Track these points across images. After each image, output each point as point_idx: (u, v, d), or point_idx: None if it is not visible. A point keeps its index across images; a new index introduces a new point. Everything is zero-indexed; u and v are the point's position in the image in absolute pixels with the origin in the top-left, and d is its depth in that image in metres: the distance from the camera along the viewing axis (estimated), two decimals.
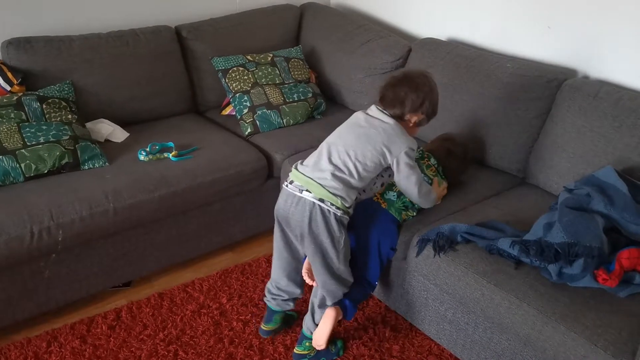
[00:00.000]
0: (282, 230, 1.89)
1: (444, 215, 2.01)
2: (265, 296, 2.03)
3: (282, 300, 1.99)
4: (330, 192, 1.74)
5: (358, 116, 1.88)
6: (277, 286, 1.99)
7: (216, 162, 2.31)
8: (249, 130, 2.58)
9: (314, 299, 1.92)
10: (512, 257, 1.73)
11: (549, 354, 1.57)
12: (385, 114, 1.83)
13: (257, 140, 2.55)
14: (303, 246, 1.85)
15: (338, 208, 1.75)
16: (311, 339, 1.91)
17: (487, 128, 2.30)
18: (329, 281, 1.84)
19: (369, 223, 1.94)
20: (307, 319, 1.93)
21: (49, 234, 1.92)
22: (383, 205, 1.97)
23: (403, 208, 1.98)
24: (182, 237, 2.33)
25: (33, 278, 1.99)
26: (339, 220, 1.77)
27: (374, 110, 1.86)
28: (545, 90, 2.17)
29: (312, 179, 1.76)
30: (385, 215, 1.96)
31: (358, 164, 1.77)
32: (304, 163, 1.84)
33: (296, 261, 1.94)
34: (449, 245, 1.84)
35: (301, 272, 1.97)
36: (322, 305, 1.89)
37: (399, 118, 1.83)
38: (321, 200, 1.74)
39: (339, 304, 1.89)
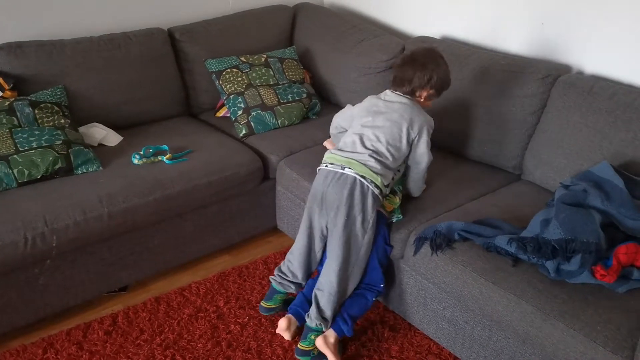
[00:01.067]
0: (311, 219, 1.97)
1: (441, 213, 2.00)
2: (273, 275, 2.09)
3: (287, 280, 2.05)
4: (372, 170, 1.86)
5: (376, 103, 1.99)
6: (289, 266, 2.05)
7: (211, 164, 2.30)
8: (243, 131, 2.57)
9: (318, 291, 1.93)
10: (510, 254, 1.72)
11: (548, 351, 1.56)
12: (400, 95, 1.97)
13: (252, 142, 2.53)
14: (335, 224, 1.88)
15: (376, 186, 1.86)
16: (316, 331, 1.91)
17: (482, 125, 2.30)
18: (340, 274, 1.89)
19: None
20: (313, 312, 1.93)
21: (43, 240, 1.90)
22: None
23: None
24: (178, 241, 2.32)
25: (28, 284, 1.97)
26: (375, 198, 1.87)
27: (389, 94, 2.00)
28: (540, 86, 2.17)
29: (353, 158, 1.89)
30: None
31: (390, 147, 1.91)
32: (339, 147, 1.96)
33: (313, 252, 2.02)
34: (446, 243, 1.83)
35: (313, 264, 2.04)
36: (317, 301, 1.92)
37: (410, 95, 1.97)
38: (363, 177, 1.85)
39: (333, 327, 1.92)
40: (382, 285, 1.98)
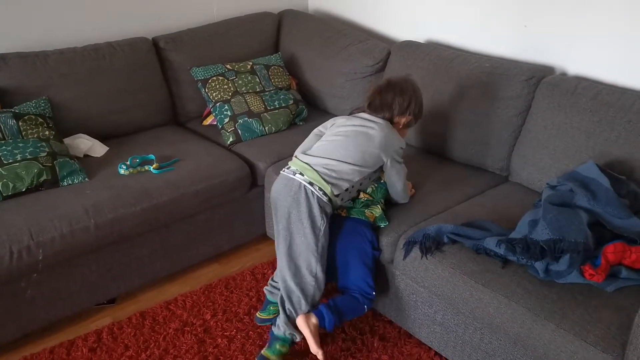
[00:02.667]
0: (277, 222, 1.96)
1: (430, 216, 2.01)
2: (267, 285, 2.10)
3: (278, 289, 1.98)
4: (323, 178, 1.85)
5: (351, 119, 1.99)
6: (274, 278, 2.06)
7: (198, 172, 2.28)
8: (230, 139, 2.56)
9: (283, 296, 1.90)
10: (499, 256, 1.73)
11: (540, 352, 1.57)
12: (373, 119, 1.96)
13: (239, 149, 2.53)
14: (288, 231, 1.88)
15: (324, 194, 1.84)
16: (283, 341, 1.87)
17: (468, 128, 2.31)
18: (297, 273, 1.87)
19: (337, 236, 1.95)
20: (281, 319, 1.88)
21: (28, 253, 1.88)
22: (343, 214, 2.00)
23: (364, 207, 1.98)
24: (167, 251, 2.30)
25: (14, 299, 1.94)
26: (322, 205, 1.85)
27: (366, 115, 1.99)
28: (524, 88, 2.18)
29: (308, 164, 1.88)
30: (350, 222, 1.97)
31: (352, 162, 1.89)
32: (306, 152, 1.96)
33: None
34: (435, 246, 1.83)
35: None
36: (284, 306, 1.88)
37: (388, 121, 1.97)
38: (310, 183, 1.84)
39: (314, 312, 1.86)
40: (373, 293, 1.94)
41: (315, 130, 2.10)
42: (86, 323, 2.15)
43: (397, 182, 2.00)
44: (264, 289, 2.10)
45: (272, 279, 2.08)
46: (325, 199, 1.85)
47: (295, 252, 1.88)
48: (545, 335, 1.54)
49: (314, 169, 1.86)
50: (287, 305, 1.88)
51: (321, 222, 1.86)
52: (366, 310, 1.93)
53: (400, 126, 2.01)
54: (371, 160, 1.92)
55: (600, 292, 1.60)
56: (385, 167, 1.96)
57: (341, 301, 1.90)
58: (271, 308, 2.07)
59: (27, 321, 2.01)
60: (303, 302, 1.87)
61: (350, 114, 2.06)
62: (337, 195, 1.87)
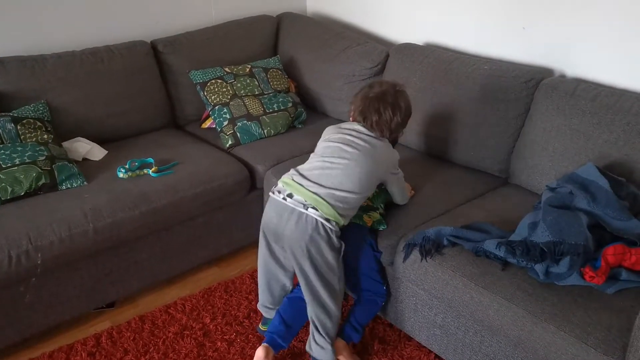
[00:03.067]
0: (269, 246, 1.88)
1: (429, 219, 2.00)
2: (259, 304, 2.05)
3: (271, 309, 2.00)
4: (338, 212, 1.75)
5: (348, 139, 1.84)
6: (265, 305, 2.00)
7: (197, 176, 2.28)
8: (229, 142, 2.56)
9: (317, 319, 1.86)
10: (499, 258, 1.72)
11: (540, 354, 1.56)
12: (372, 136, 1.86)
13: (238, 152, 2.52)
14: (297, 265, 1.80)
15: (337, 224, 1.77)
16: None
17: (467, 130, 2.30)
18: (327, 303, 1.83)
19: None
20: (319, 339, 1.86)
21: (27, 257, 1.87)
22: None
23: (362, 212, 1.96)
24: (166, 254, 2.29)
25: (13, 303, 1.94)
26: (336, 233, 1.79)
27: (364, 132, 1.87)
28: (523, 90, 2.18)
29: (319, 194, 1.74)
30: (350, 227, 1.87)
31: (363, 195, 1.82)
32: (305, 175, 1.80)
33: (284, 273, 1.93)
34: (435, 249, 1.83)
35: (288, 284, 1.96)
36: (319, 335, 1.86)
37: (382, 136, 1.89)
38: (327, 219, 1.74)
39: (340, 336, 1.91)
40: (384, 288, 1.98)
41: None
42: (85, 327, 2.15)
43: (397, 192, 2.01)
44: (258, 308, 2.05)
45: (263, 304, 2.02)
46: (336, 228, 1.78)
47: (331, 280, 1.82)
48: (546, 337, 1.53)
49: (329, 203, 1.74)
50: (319, 338, 1.85)
51: (339, 246, 1.81)
52: (381, 304, 1.99)
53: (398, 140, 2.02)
54: (376, 183, 1.90)
55: (601, 294, 1.60)
56: (386, 183, 1.97)
57: (360, 314, 1.95)
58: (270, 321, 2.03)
59: (26, 326, 2.00)
60: (331, 329, 1.87)
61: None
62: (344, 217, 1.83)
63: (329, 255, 1.78)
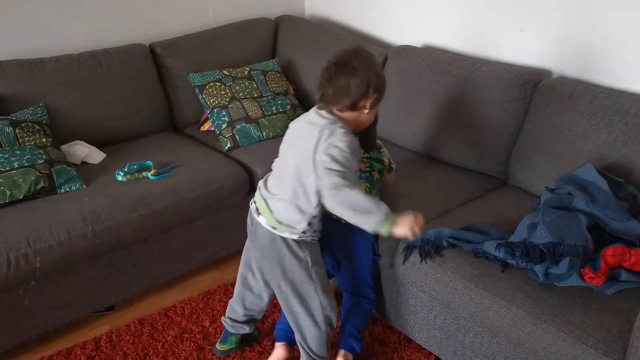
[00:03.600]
0: (248, 259, 1.87)
1: (429, 220, 1.99)
2: (223, 317, 1.98)
3: (239, 322, 1.94)
4: (278, 221, 1.64)
5: (295, 125, 1.72)
6: (232, 318, 1.95)
7: (196, 178, 2.28)
8: (228, 145, 2.56)
9: (302, 341, 1.77)
10: (499, 259, 1.72)
11: (540, 355, 1.56)
12: (321, 115, 1.62)
13: (237, 155, 2.52)
14: (273, 278, 1.74)
15: (295, 233, 1.64)
16: None
17: (466, 132, 2.31)
18: (307, 321, 1.73)
19: (339, 242, 1.89)
20: None
21: (26, 261, 1.87)
22: (342, 221, 1.73)
23: None
24: (165, 257, 2.29)
25: (12, 307, 1.93)
26: (300, 242, 1.67)
27: (311, 115, 1.67)
28: (522, 91, 2.18)
29: (267, 202, 1.66)
30: (350, 228, 1.69)
31: (299, 187, 1.60)
32: (268, 181, 1.72)
33: (251, 292, 1.88)
34: (435, 250, 1.82)
35: (264, 299, 1.89)
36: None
37: (351, 109, 1.60)
38: (273, 227, 1.65)
39: (344, 347, 1.88)
40: (374, 295, 1.96)
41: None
42: (84, 331, 2.14)
43: (340, 203, 1.54)
44: (222, 321, 1.97)
45: (229, 317, 1.95)
46: (295, 237, 1.64)
47: (304, 293, 1.73)
48: (546, 338, 1.53)
49: (271, 210, 1.65)
50: (314, 347, 1.77)
51: (305, 255, 1.67)
52: (372, 311, 1.97)
53: (367, 110, 1.63)
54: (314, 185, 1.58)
55: (600, 295, 1.60)
56: (317, 186, 1.57)
57: (356, 321, 1.92)
58: (232, 339, 1.98)
59: (25, 329, 2.00)
60: (316, 346, 1.77)
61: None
62: (310, 224, 1.64)
63: (296, 267, 1.68)
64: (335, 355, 1.87)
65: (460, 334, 1.82)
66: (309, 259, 1.69)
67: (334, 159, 1.53)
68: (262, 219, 1.68)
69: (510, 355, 1.68)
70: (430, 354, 1.99)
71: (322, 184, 1.54)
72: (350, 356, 1.88)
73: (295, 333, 1.80)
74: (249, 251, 1.87)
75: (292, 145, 1.69)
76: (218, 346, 1.99)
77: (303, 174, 1.59)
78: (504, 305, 1.63)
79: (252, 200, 1.76)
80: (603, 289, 1.60)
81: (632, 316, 1.49)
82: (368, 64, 1.61)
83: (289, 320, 1.79)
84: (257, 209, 1.71)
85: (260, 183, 1.75)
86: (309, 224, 1.64)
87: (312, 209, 1.61)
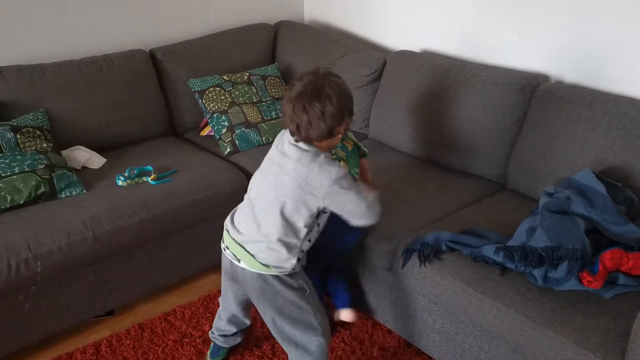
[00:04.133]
0: (228, 289, 1.80)
1: (427, 224, 2.01)
2: (212, 332, 1.95)
3: (229, 336, 1.92)
4: (264, 265, 1.57)
5: (271, 160, 1.64)
6: (220, 325, 1.92)
7: (196, 183, 2.29)
8: (228, 149, 2.57)
9: None
10: (497, 263, 1.73)
11: (539, 359, 1.56)
12: (300, 148, 1.56)
13: (237, 160, 2.53)
14: (265, 316, 1.68)
15: (284, 269, 1.59)
16: None
17: (465, 136, 2.32)
18: (309, 343, 1.67)
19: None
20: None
21: (27, 266, 1.87)
22: None
23: None
24: (165, 261, 2.29)
25: (12, 312, 1.93)
26: (291, 274, 1.62)
27: (286, 147, 1.58)
28: (520, 96, 2.19)
29: (245, 248, 1.59)
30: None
31: (287, 224, 1.56)
32: (235, 222, 1.65)
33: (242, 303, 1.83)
34: (434, 254, 1.83)
35: (245, 310, 1.85)
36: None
37: (328, 136, 1.57)
38: (261, 271, 1.59)
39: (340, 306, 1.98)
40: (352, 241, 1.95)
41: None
42: (84, 335, 2.14)
43: (354, 214, 1.58)
44: (211, 337, 1.95)
45: (217, 329, 1.92)
46: (287, 271, 1.59)
47: (302, 320, 1.66)
48: (545, 342, 1.54)
49: (253, 256, 1.58)
50: None
51: (298, 285, 1.62)
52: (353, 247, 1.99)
53: (342, 134, 1.61)
54: (303, 217, 1.56)
55: (599, 298, 1.60)
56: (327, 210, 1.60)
57: (337, 281, 2.01)
58: (224, 351, 1.98)
59: (25, 334, 2.00)
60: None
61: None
62: (301, 251, 1.61)
63: (293, 298, 1.62)
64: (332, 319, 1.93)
65: (459, 337, 1.83)
66: (304, 286, 1.64)
67: (343, 187, 1.52)
68: (244, 265, 1.60)
69: (510, 359, 1.68)
70: (430, 358, 2.00)
71: (348, 210, 1.56)
72: (349, 310, 1.97)
73: (298, 357, 1.70)
74: (229, 286, 1.78)
75: (270, 181, 1.60)
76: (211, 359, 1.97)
77: (292, 211, 1.54)
78: (502, 309, 1.63)
79: (222, 243, 1.67)
80: (601, 293, 1.60)
81: (630, 319, 1.50)
82: (339, 87, 1.57)
83: (286, 346, 1.70)
84: (234, 255, 1.62)
85: (228, 225, 1.66)
86: (298, 259, 1.60)
87: (300, 243, 1.59)
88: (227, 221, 1.69)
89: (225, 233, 1.68)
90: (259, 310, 1.70)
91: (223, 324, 1.91)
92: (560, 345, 1.51)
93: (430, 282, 1.81)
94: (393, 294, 2.00)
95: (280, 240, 1.56)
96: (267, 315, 1.67)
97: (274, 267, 1.58)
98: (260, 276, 1.60)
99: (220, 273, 2.45)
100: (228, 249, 1.65)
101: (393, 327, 2.08)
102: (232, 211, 1.72)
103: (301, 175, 1.53)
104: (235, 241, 1.62)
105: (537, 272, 1.64)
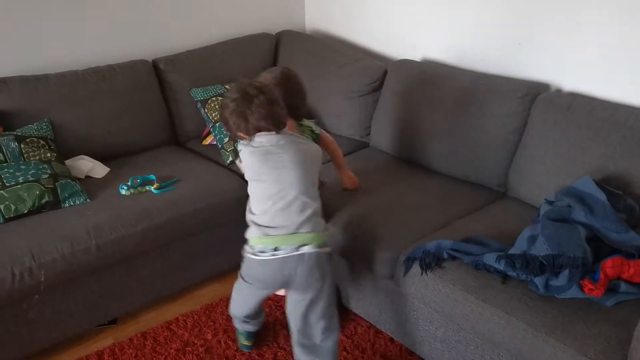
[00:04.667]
0: (260, 295, 1.93)
1: (429, 232, 2.01)
2: (237, 329, 2.08)
3: (255, 320, 2.05)
4: (322, 232, 1.75)
5: (271, 153, 1.74)
6: (246, 316, 2.03)
7: (198, 192, 2.30)
8: (230, 158, 2.58)
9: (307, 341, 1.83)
10: (499, 271, 1.73)
11: None
12: (274, 134, 1.73)
13: (239, 169, 2.54)
14: (309, 296, 1.77)
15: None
16: None
17: (465, 144, 2.33)
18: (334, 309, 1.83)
19: None
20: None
21: (30, 275, 1.88)
22: None
23: None
24: (167, 270, 2.30)
25: (16, 321, 1.95)
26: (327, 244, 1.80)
27: (281, 138, 1.74)
28: (520, 105, 2.21)
29: (302, 232, 1.71)
30: None
31: (311, 191, 1.75)
32: (271, 225, 1.73)
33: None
34: (435, 262, 1.84)
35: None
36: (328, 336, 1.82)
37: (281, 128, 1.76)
38: (321, 245, 1.74)
39: None
40: None
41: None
42: (87, 344, 2.15)
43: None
44: (236, 324, 2.07)
45: (241, 320, 2.04)
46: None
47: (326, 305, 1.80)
48: (547, 350, 1.54)
49: (314, 232, 1.74)
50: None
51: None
52: None
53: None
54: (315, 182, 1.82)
55: (600, 306, 1.61)
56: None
57: None
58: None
59: (28, 343, 2.01)
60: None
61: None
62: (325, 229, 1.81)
63: (330, 277, 1.79)
64: None
65: (461, 346, 1.83)
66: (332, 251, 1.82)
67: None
68: (308, 248, 1.70)
69: None
70: None
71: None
72: None
73: (331, 340, 1.81)
74: (263, 294, 1.93)
75: (284, 169, 1.72)
76: (244, 341, 2.07)
77: (311, 175, 1.76)
78: (504, 317, 1.64)
79: (261, 255, 1.73)
80: (603, 301, 1.61)
81: (631, 327, 1.50)
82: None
83: (323, 327, 1.79)
84: (295, 246, 1.70)
85: (265, 232, 1.73)
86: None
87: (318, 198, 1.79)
88: (261, 231, 1.74)
89: (266, 239, 1.72)
90: (305, 297, 1.76)
91: (243, 318, 2.03)
92: (562, 353, 1.51)
93: (432, 290, 1.82)
94: (394, 303, 2.01)
95: (311, 207, 1.73)
96: (323, 296, 1.76)
97: (323, 230, 1.77)
98: (318, 255, 1.72)
99: (222, 282, 2.49)
100: (278, 249, 1.70)
101: (395, 335, 2.08)
102: (252, 226, 1.78)
103: (302, 149, 1.78)
104: (283, 237, 1.71)
105: (539, 280, 1.64)
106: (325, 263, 1.76)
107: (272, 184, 1.73)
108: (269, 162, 1.73)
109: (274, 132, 1.73)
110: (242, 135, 1.76)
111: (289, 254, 1.70)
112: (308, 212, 1.72)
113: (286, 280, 1.74)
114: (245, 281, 1.85)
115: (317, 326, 1.80)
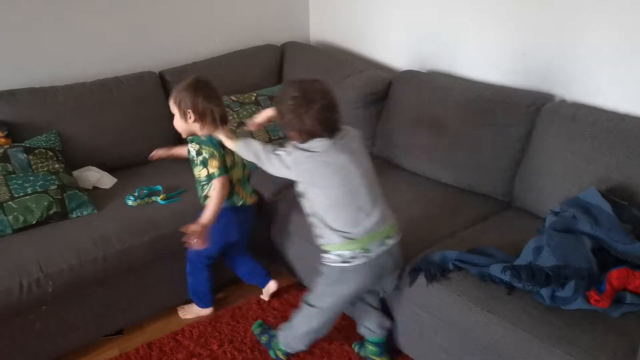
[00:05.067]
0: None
1: (434, 243, 2.02)
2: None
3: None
4: (394, 220, 1.85)
5: (330, 157, 1.74)
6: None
7: None
8: None
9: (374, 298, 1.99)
10: (505, 282, 1.73)
11: None
12: (327, 139, 1.74)
13: None
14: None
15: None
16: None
17: (470, 154, 2.33)
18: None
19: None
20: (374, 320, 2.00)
21: (38, 285, 1.90)
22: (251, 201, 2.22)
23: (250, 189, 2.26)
24: (174, 281, 2.31)
25: (23, 331, 1.96)
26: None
27: (318, 144, 1.73)
28: (525, 115, 2.22)
29: (383, 227, 1.79)
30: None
31: (374, 184, 1.82)
32: (351, 229, 1.74)
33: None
34: (441, 273, 1.84)
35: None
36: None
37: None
38: (398, 232, 1.85)
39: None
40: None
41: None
42: (94, 355, 2.16)
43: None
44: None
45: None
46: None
47: None
48: None
49: (390, 224, 1.84)
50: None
51: None
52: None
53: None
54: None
55: (606, 317, 1.60)
56: None
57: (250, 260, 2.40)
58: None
59: (35, 354, 2.02)
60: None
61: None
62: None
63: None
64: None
65: (467, 356, 1.82)
66: None
67: None
68: (391, 241, 1.82)
69: None
70: None
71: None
72: (272, 281, 2.36)
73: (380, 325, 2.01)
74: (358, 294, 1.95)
75: (347, 170, 1.75)
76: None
77: (369, 167, 1.82)
78: (510, 328, 1.64)
79: (368, 254, 1.76)
80: (609, 312, 1.61)
81: (637, 338, 1.50)
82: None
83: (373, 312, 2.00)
84: (391, 237, 1.82)
85: (343, 242, 1.75)
86: None
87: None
88: (343, 237, 1.75)
89: (353, 243, 1.74)
90: (386, 284, 1.92)
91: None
92: None
93: (437, 300, 1.82)
94: (400, 313, 2.01)
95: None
96: (394, 280, 1.92)
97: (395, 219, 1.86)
98: (398, 243, 1.85)
99: (228, 292, 2.49)
100: (369, 250, 1.76)
101: (400, 346, 2.08)
102: (329, 233, 1.77)
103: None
104: (382, 232, 1.78)
105: (545, 292, 1.64)
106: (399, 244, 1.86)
107: (339, 188, 1.73)
108: (330, 166, 1.72)
109: (327, 138, 1.72)
110: (293, 135, 1.75)
111: (380, 251, 1.78)
112: (378, 205, 1.78)
113: (379, 277, 1.85)
114: (327, 300, 1.86)
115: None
